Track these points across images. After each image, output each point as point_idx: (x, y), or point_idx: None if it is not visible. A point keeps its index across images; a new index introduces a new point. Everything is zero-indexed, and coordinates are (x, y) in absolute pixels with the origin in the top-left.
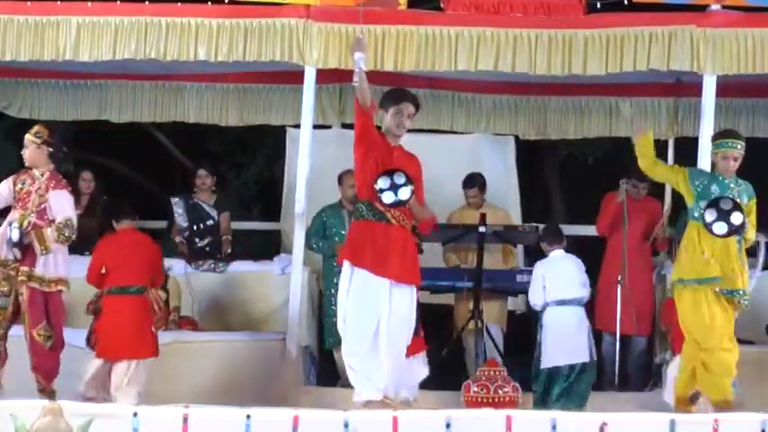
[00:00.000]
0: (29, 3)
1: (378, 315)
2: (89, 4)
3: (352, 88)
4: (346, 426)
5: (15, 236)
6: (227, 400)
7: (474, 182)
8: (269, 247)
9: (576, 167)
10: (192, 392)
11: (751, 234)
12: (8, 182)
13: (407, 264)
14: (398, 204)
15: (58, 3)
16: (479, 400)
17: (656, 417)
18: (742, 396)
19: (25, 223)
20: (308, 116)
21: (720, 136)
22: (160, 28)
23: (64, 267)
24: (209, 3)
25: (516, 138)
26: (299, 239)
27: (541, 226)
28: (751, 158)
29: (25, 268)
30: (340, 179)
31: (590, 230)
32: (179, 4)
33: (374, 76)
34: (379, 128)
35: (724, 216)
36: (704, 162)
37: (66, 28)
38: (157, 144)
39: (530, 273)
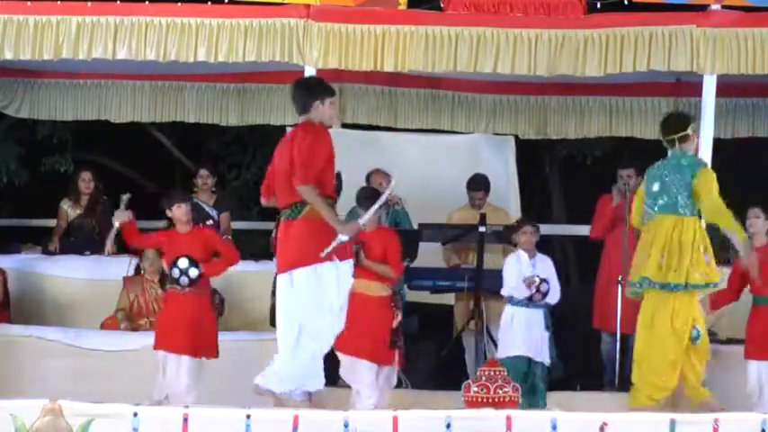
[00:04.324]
0: (29, 2)
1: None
2: (88, 3)
3: (352, 88)
4: (346, 426)
5: None
6: (228, 400)
7: (481, 184)
8: (269, 247)
9: (576, 167)
10: None
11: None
12: None
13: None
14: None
15: (58, 2)
16: (479, 400)
17: (656, 417)
18: None
19: None
20: None
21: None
22: (160, 28)
23: None
24: (209, 3)
25: (516, 138)
26: None
27: (542, 226)
28: (751, 158)
29: None
30: (368, 178)
31: (589, 230)
32: (179, 4)
33: (374, 76)
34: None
35: None
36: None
37: (66, 28)
38: (157, 144)
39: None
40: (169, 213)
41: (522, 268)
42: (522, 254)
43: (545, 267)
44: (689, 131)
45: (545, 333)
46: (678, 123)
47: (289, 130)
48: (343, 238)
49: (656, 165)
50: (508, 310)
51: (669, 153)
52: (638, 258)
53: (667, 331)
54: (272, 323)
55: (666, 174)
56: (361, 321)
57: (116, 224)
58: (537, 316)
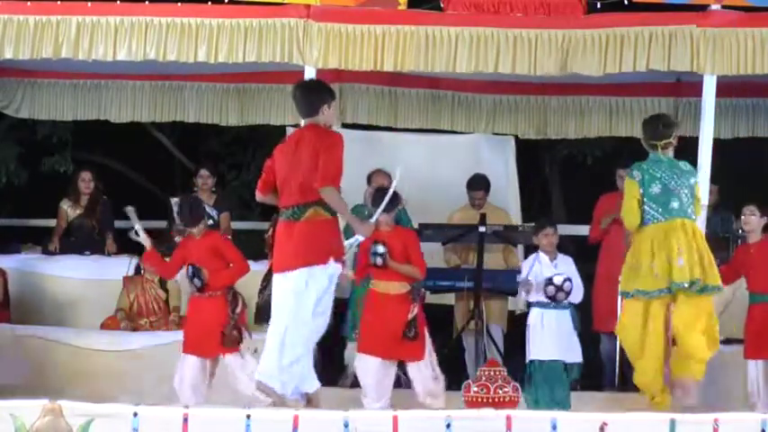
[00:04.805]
0: (29, 2)
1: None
2: (88, 3)
3: (352, 88)
4: (346, 426)
5: None
6: (228, 399)
7: (481, 184)
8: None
9: (576, 167)
10: None
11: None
12: None
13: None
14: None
15: (58, 2)
16: (479, 400)
17: (656, 417)
18: None
19: None
20: None
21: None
22: (160, 28)
23: None
24: (210, 3)
25: (516, 138)
26: None
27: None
28: (751, 158)
29: None
30: (369, 178)
31: (589, 231)
32: (179, 4)
33: (374, 76)
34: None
35: None
36: (704, 162)
37: (66, 28)
38: (157, 144)
39: None
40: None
41: (543, 270)
42: (542, 256)
43: (567, 267)
44: (672, 140)
45: (573, 333)
46: (664, 130)
47: (289, 129)
48: (360, 237)
49: (643, 166)
50: (535, 311)
51: (652, 155)
52: (657, 261)
53: (702, 331)
54: (257, 321)
55: (667, 177)
56: (378, 320)
57: (137, 236)
58: (565, 317)
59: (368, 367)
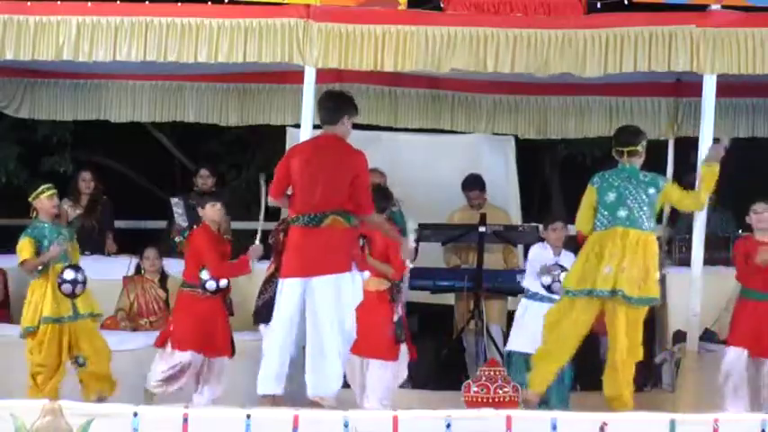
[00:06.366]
0: (29, 3)
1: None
2: (89, 4)
3: (351, 88)
4: (346, 426)
5: None
6: (228, 400)
7: (475, 183)
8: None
9: (576, 167)
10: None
11: None
12: None
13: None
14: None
15: (58, 3)
16: (479, 400)
17: (656, 417)
18: None
19: None
20: (307, 116)
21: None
22: (160, 28)
23: None
24: (210, 3)
25: (516, 138)
26: None
27: (542, 226)
28: (751, 158)
29: None
30: None
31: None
32: (179, 4)
33: (374, 76)
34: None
35: None
36: None
37: (66, 28)
38: (157, 144)
39: None
40: (201, 212)
41: (545, 261)
42: (548, 247)
43: (568, 263)
44: (638, 148)
45: None
46: (630, 138)
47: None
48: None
49: (605, 174)
50: (523, 302)
51: (619, 164)
52: (588, 264)
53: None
54: (256, 322)
55: (623, 186)
56: (360, 318)
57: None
58: None
59: (354, 367)
